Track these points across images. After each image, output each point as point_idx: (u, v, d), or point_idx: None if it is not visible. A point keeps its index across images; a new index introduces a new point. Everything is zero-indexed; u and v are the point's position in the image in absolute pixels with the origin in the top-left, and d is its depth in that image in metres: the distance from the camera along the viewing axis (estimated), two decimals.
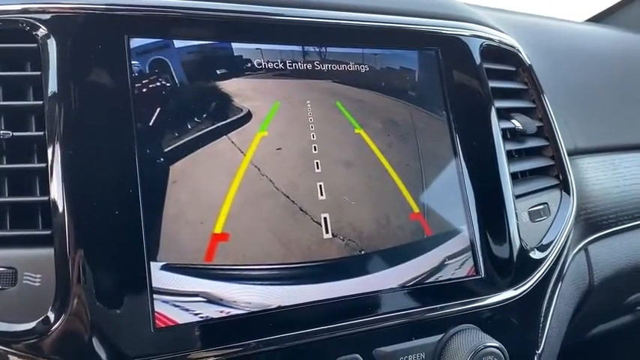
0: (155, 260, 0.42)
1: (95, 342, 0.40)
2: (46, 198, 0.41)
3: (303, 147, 0.49)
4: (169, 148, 0.45)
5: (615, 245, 0.77)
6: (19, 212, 0.42)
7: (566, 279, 0.67)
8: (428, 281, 0.51)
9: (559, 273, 0.64)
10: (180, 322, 0.42)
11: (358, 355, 0.47)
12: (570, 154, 0.72)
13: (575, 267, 0.70)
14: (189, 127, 0.46)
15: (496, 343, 0.50)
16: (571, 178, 0.66)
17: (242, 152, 0.47)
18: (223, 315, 0.43)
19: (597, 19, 1.25)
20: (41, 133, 0.42)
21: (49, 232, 0.41)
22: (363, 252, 0.49)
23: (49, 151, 0.41)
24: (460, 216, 0.54)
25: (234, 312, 0.44)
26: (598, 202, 0.75)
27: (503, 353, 0.50)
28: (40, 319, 0.39)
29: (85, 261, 0.40)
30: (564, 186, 0.66)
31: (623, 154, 0.82)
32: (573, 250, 0.69)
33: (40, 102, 0.43)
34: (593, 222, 0.74)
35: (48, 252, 0.40)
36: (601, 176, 0.77)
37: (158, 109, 0.45)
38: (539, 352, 0.58)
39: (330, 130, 0.51)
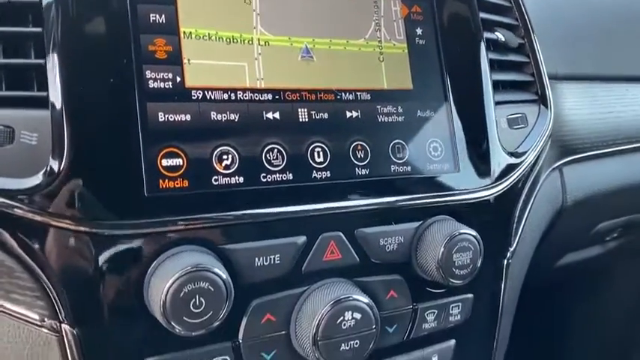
0: (147, 124, 0.43)
1: (91, 199, 0.41)
2: (41, 61, 0.42)
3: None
4: None
5: (588, 170, 0.80)
6: (15, 75, 0.43)
7: (540, 194, 0.70)
8: (408, 173, 0.54)
9: (532, 185, 0.67)
10: (171, 189, 0.44)
11: (341, 233, 0.50)
12: (551, 78, 0.74)
13: (549, 185, 0.73)
14: None
15: (472, 232, 0.53)
16: (549, 94, 0.68)
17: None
18: (214, 185, 0.45)
19: None
20: None
21: (45, 93, 0.42)
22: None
23: (45, 14, 0.42)
24: (442, 113, 0.56)
25: (226, 182, 0.46)
26: (575, 127, 0.78)
27: (477, 241, 0.53)
28: (40, 173, 0.41)
29: (81, 121, 0.42)
30: (543, 101, 0.68)
31: (603, 84, 0.85)
32: (548, 168, 0.72)
33: None
34: (569, 144, 0.77)
35: (44, 113, 0.42)
36: (579, 102, 0.80)
37: None
38: (512, 249, 0.61)
39: None
